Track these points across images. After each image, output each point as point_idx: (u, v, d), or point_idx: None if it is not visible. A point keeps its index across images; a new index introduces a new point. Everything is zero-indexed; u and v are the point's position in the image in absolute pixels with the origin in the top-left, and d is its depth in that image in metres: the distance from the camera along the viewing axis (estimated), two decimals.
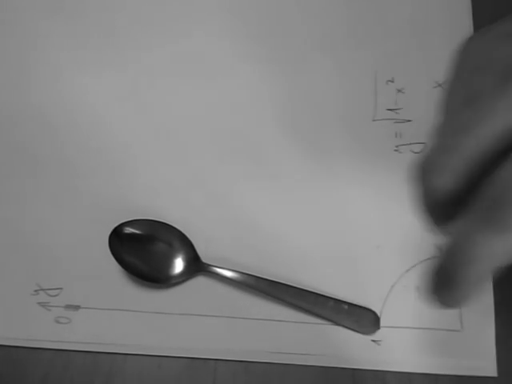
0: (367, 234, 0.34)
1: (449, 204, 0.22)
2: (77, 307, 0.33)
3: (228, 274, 0.32)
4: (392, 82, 0.36)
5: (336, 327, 0.32)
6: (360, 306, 0.32)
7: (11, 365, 0.32)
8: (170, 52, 0.39)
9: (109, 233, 0.33)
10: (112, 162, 0.36)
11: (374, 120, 0.36)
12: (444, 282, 0.22)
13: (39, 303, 0.33)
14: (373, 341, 0.32)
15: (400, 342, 0.32)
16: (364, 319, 0.32)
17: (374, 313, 0.32)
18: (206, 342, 0.32)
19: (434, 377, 0.31)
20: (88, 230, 0.34)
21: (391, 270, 0.33)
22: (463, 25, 0.38)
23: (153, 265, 0.33)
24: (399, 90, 0.36)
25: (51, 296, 0.33)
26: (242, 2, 0.40)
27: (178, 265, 0.33)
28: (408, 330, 0.32)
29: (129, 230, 0.33)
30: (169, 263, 0.33)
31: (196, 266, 0.33)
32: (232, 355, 0.32)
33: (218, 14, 0.40)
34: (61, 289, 0.33)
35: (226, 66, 0.39)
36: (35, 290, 0.33)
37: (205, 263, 0.33)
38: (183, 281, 0.33)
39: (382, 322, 0.32)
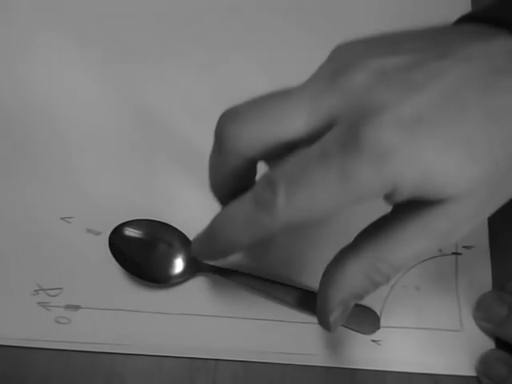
0: None
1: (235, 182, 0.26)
2: (77, 307, 0.33)
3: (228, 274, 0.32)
4: None
5: None
6: (360, 306, 0.32)
7: (11, 365, 0.32)
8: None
9: (109, 232, 0.33)
10: (110, 163, 0.37)
11: None
12: (206, 236, 0.26)
13: (39, 303, 0.33)
14: (373, 341, 0.32)
15: (400, 342, 0.32)
16: (364, 319, 0.32)
17: (374, 312, 0.32)
18: (206, 341, 0.32)
19: (434, 377, 0.31)
20: (88, 230, 0.34)
21: None
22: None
23: (153, 265, 0.33)
24: None
25: (51, 296, 0.33)
26: None
27: (178, 265, 0.33)
28: (408, 330, 0.32)
29: (129, 230, 0.33)
30: (169, 263, 0.33)
31: (196, 266, 0.33)
32: (232, 355, 0.32)
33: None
34: (61, 289, 0.33)
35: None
36: (35, 290, 0.33)
37: (205, 263, 0.33)
38: (183, 281, 0.33)
39: (382, 322, 0.32)
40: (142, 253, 0.33)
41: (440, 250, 0.34)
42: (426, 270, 0.33)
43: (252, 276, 0.32)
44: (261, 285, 0.32)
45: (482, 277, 0.33)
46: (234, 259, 0.33)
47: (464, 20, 0.26)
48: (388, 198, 0.22)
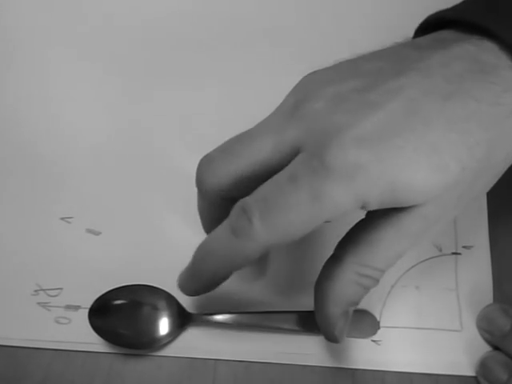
0: None
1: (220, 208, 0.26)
2: (77, 307, 0.33)
3: (219, 317, 0.31)
4: None
5: None
6: (355, 311, 0.32)
7: (11, 365, 0.32)
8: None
9: (109, 232, 0.33)
10: (111, 162, 0.37)
11: None
12: (190, 271, 0.26)
13: (39, 303, 0.33)
14: (373, 341, 0.32)
15: (400, 342, 0.32)
16: (362, 323, 0.32)
17: (370, 314, 0.32)
18: (206, 342, 0.32)
19: (434, 377, 0.31)
20: (88, 230, 0.34)
21: (391, 270, 0.33)
22: None
23: (139, 330, 0.31)
24: None
25: (51, 296, 0.33)
26: None
27: (163, 326, 0.31)
28: (408, 330, 0.32)
29: (106, 304, 0.32)
30: (155, 325, 0.31)
31: (184, 319, 0.32)
32: (232, 355, 0.32)
33: None
34: (61, 289, 0.33)
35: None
36: (35, 290, 0.33)
37: (194, 315, 0.32)
38: (173, 339, 0.32)
39: (382, 322, 0.32)
40: (126, 322, 0.31)
41: (440, 250, 0.34)
42: (426, 270, 0.33)
43: (245, 313, 0.30)
44: (256, 319, 0.31)
45: (482, 277, 0.33)
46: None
47: (429, 23, 0.26)
48: (360, 208, 0.22)
